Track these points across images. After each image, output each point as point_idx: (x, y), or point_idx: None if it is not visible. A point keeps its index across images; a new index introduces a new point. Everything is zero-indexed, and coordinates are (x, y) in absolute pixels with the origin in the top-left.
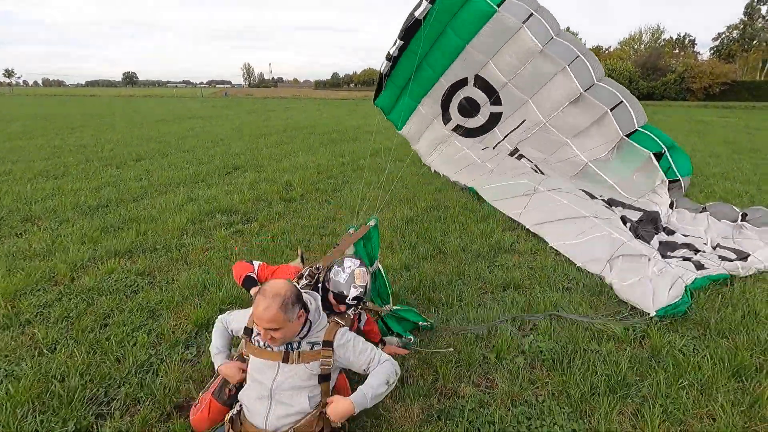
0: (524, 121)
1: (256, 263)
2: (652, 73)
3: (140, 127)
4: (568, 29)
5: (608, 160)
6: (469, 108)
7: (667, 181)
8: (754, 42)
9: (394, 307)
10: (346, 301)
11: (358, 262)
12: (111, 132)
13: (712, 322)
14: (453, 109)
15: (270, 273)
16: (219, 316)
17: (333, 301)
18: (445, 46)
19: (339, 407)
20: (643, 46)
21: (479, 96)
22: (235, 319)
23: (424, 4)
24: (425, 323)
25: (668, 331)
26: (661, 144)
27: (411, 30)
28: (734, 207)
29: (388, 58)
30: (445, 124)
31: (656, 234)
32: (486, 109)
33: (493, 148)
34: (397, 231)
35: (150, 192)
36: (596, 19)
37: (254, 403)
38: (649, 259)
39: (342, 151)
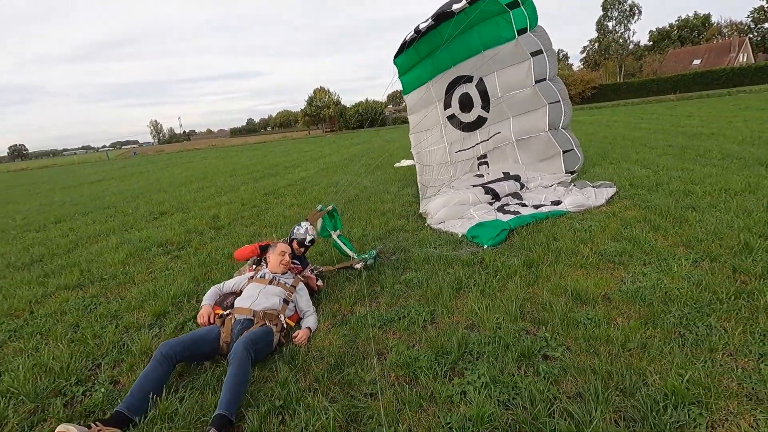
0: (498, 133)
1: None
2: None
3: (47, 194)
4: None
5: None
6: (466, 104)
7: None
8: (610, 51)
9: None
10: (305, 243)
11: (308, 223)
12: (13, 204)
13: (521, 243)
14: (455, 97)
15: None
16: (213, 286)
17: (296, 246)
18: (466, 43)
19: (302, 334)
20: None
21: (475, 97)
22: (228, 284)
23: (463, 2)
24: (364, 256)
25: (495, 253)
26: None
27: (443, 17)
28: (586, 182)
29: (416, 31)
30: (445, 109)
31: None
32: (476, 111)
33: (465, 151)
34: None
35: (81, 243)
36: None
37: (245, 300)
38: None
39: (264, 185)
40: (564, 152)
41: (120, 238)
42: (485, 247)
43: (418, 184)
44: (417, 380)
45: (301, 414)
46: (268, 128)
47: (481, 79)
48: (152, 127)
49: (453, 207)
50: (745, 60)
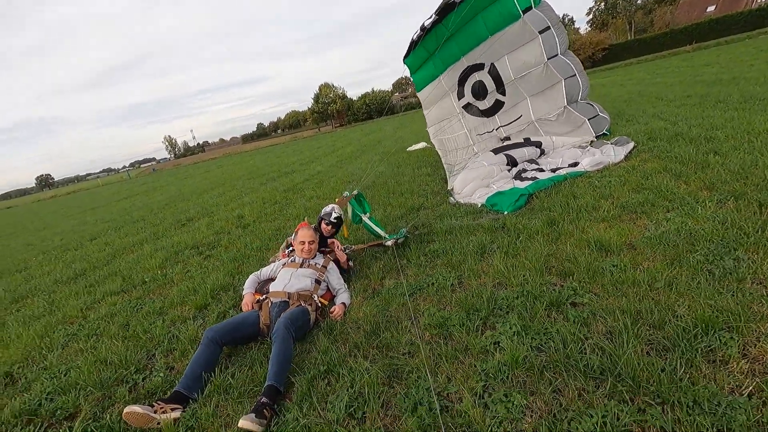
0: (520, 116)
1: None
2: None
3: (78, 216)
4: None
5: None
6: (479, 92)
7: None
8: (618, 9)
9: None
10: (331, 220)
11: (335, 204)
12: (49, 228)
13: (541, 205)
14: (467, 87)
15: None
16: (251, 274)
17: (324, 226)
18: (473, 31)
19: (338, 309)
20: None
21: (489, 83)
22: (264, 271)
23: None
24: (394, 236)
25: (516, 217)
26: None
27: (446, 10)
28: (604, 140)
29: (422, 28)
30: (459, 99)
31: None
32: (492, 96)
33: (489, 132)
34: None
35: (118, 254)
36: None
37: (279, 284)
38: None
39: (281, 183)
40: (590, 119)
41: (153, 246)
42: (505, 213)
43: (444, 165)
44: (451, 336)
45: (346, 375)
46: (278, 131)
47: (492, 65)
48: (167, 143)
49: (478, 182)
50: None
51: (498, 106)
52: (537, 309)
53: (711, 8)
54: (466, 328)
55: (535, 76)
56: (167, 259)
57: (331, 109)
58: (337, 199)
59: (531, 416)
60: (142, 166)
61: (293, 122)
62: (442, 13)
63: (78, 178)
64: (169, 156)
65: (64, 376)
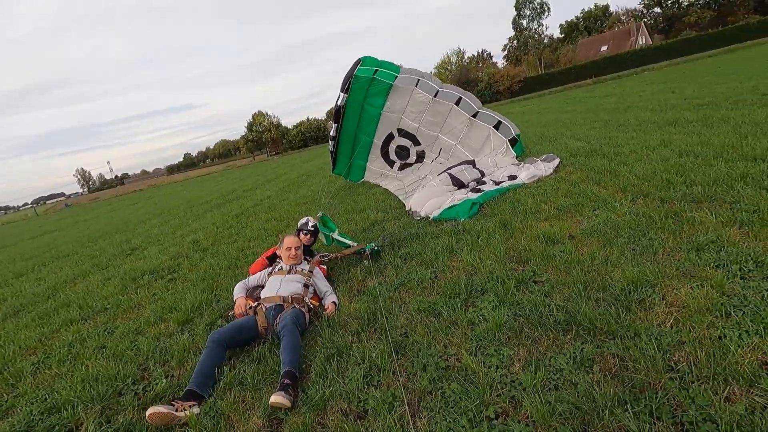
0: (441, 149)
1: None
2: (466, 85)
3: None
4: (401, 66)
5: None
6: (403, 153)
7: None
8: (528, 46)
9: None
10: (308, 228)
11: (310, 217)
12: None
13: (492, 211)
14: (392, 155)
15: (269, 252)
16: (238, 282)
17: (302, 236)
18: (368, 117)
19: (331, 307)
20: (453, 66)
21: (406, 142)
22: (251, 279)
23: (342, 95)
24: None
25: (473, 222)
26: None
27: (338, 114)
28: (534, 158)
29: (331, 138)
30: (391, 167)
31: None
32: (413, 150)
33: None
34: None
35: (59, 288)
36: (410, 52)
37: (271, 290)
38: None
39: (229, 209)
40: (494, 126)
41: (102, 275)
42: (462, 220)
43: (394, 192)
44: (440, 315)
45: (356, 354)
46: (208, 161)
47: (399, 129)
48: (79, 176)
49: (434, 199)
50: (644, 42)
51: (421, 155)
52: (508, 287)
53: (604, 48)
54: (451, 307)
55: (430, 114)
56: (125, 286)
57: (266, 138)
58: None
59: (518, 361)
60: (48, 202)
61: (224, 151)
62: (337, 118)
63: None
64: (81, 190)
65: (49, 397)
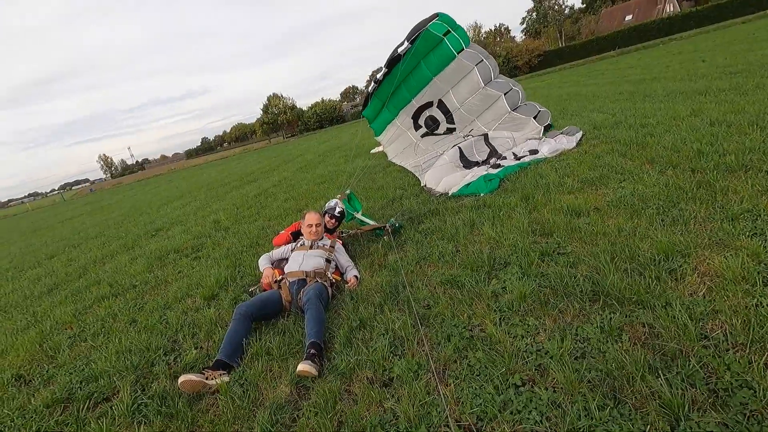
0: (471, 131)
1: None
2: None
3: (20, 240)
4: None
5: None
6: (432, 124)
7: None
8: (548, 18)
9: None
10: (335, 214)
11: (338, 200)
12: None
13: (513, 186)
14: (421, 120)
15: (293, 227)
16: (262, 255)
17: (327, 219)
18: (419, 76)
19: (353, 281)
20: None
21: (439, 115)
22: (275, 252)
23: (406, 44)
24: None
25: (493, 197)
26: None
27: (394, 61)
28: (556, 131)
29: (376, 81)
30: (416, 130)
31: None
32: (443, 126)
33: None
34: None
35: (89, 267)
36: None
37: (294, 265)
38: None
39: (248, 190)
40: (534, 117)
41: (129, 255)
42: (482, 195)
43: (410, 170)
44: (463, 287)
45: (380, 325)
46: (225, 144)
47: (440, 101)
48: (102, 162)
49: (450, 177)
50: (671, 9)
51: (450, 132)
52: (532, 259)
53: (629, 17)
54: (474, 280)
55: (477, 100)
56: (152, 264)
57: (281, 120)
58: (338, 196)
59: (544, 331)
60: (74, 188)
61: (240, 135)
62: (390, 65)
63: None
64: (104, 176)
65: (86, 367)
